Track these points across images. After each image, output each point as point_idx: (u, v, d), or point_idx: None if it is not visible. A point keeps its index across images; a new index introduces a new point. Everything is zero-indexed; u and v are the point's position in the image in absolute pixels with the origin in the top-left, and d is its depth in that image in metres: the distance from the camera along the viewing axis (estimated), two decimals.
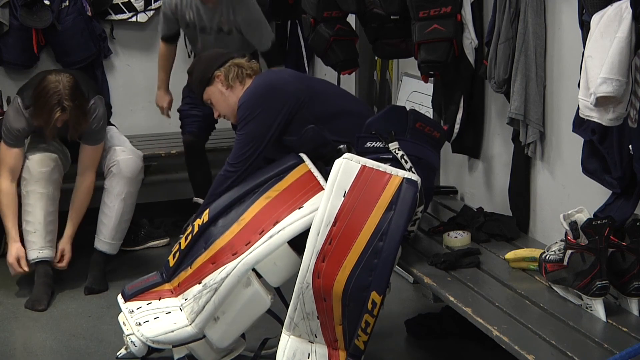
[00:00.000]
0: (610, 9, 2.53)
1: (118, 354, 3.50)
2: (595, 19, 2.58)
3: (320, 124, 3.45)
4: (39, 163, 4.25)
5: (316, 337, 3.19)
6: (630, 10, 2.45)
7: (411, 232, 3.36)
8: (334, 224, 3.07)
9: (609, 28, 2.50)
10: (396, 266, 3.36)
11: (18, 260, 4.18)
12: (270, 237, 3.21)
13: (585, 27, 2.80)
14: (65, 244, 4.31)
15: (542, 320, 2.72)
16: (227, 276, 3.20)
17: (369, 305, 2.98)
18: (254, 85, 3.53)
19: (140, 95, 5.45)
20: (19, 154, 4.24)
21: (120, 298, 3.51)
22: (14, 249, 4.19)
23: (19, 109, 4.19)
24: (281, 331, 3.26)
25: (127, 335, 3.35)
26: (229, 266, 3.21)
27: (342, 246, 3.04)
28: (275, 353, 3.27)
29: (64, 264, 4.31)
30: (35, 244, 4.21)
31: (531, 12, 3.28)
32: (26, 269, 4.21)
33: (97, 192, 4.43)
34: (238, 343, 3.47)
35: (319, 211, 3.10)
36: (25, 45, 4.98)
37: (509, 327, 2.69)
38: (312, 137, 3.45)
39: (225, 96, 3.59)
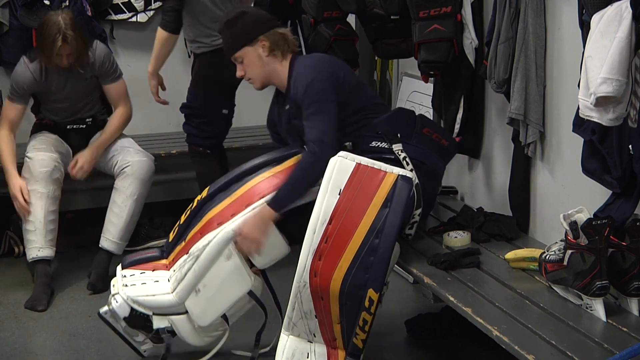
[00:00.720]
0: (610, 9, 2.53)
1: (100, 309, 3.51)
2: (595, 19, 2.58)
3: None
4: (40, 163, 4.28)
5: (315, 336, 3.18)
6: (630, 10, 2.45)
7: (409, 234, 3.34)
8: (329, 223, 3.06)
9: (609, 28, 2.50)
10: (396, 266, 3.37)
11: (21, 192, 4.21)
12: (254, 208, 3.27)
13: (585, 27, 2.80)
14: (86, 154, 4.39)
15: (542, 320, 2.72)
16: (208, 243, 3.27)
17: (366, 303, 2.98)
18: (321, 64, 3.45)
19: (140, 95, 5.42)
20: (21, 109, 4.40)
21: (119, 266, 3.57)
22: (16, 181, 4.24)
23: (25, 63, 4.35)
24: (280, 331, 3.27)
25: (113, 295, 3.43)
26: (210, 234, 3.28)
27: (338, 244, 3.04)
28: (271, 350, 3.27)
29: (77, 169, 4.36)
30: (35, 242, 4.22)
31: (531, 12, 3.28)
32: (27, 197, 4.21)
33: (104, 193, 4.44)
34: (221, 328, 3.45)
35: (314, 210, 3.10)
36: (25, 45, 4.95)
37: (509, 327, 2.69)
38: None
39: (262, 62, 3.48)
